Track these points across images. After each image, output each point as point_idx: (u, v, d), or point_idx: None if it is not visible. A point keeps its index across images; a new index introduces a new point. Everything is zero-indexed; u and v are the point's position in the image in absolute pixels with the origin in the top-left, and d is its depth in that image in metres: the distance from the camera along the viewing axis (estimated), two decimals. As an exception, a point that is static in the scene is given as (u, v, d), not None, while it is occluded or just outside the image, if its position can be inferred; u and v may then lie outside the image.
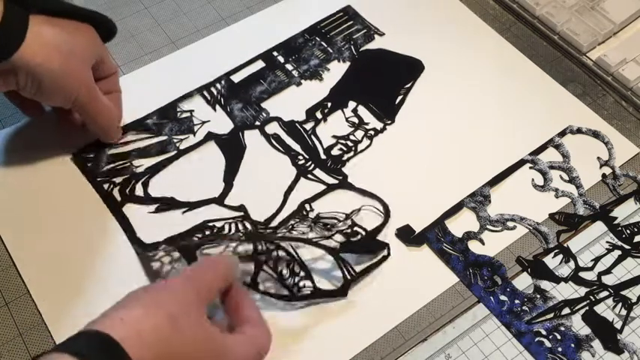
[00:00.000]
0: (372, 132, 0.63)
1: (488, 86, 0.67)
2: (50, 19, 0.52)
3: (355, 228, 0.56)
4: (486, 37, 0.71)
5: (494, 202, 0.59)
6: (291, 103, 0.65)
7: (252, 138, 0.62)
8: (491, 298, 0.53)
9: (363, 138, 0.62)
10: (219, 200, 0.58)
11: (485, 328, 0.52)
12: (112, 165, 0.59)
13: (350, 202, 0.58)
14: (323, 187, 0.59)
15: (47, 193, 0.58)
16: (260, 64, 0.68)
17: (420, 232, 0.57)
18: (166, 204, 0.57)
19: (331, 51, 0.69)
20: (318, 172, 0.60)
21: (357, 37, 0.70)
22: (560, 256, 0.56)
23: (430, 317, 0.53)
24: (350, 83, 0.67)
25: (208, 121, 0.63)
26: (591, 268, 0.55)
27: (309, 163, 0.60)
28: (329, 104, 0.65)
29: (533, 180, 0.60)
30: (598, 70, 0.67)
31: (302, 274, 0.52)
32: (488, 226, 0.57)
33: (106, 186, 0.58)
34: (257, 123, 0.63)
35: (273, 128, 0.63)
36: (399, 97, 0.66)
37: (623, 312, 0.53)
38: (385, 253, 0.54)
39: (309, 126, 0.63)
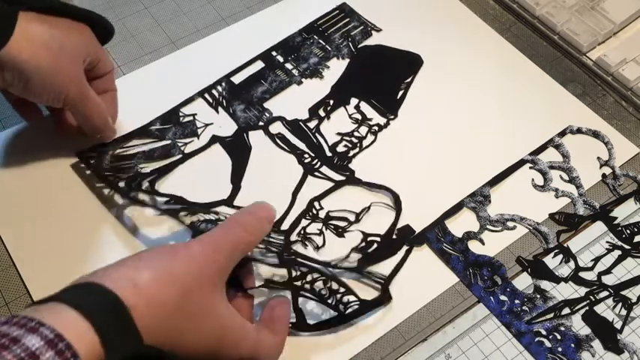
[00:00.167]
0: (376, 127, 0.63)
1: (488, 86, 0.67)
2: (41, 16, 0.52)
3: (369, 238, 0.55)
4: (486, 37, 0.71)
5: (494, 202, 0.59)
6: (293, 102, 0.65)
7: (256, 138, 0.62)
8: (491, 298, 0.53)
9: (367, 134, 0.63)
10: (229, 202, 0.58)
11: (485, 328, 0.52)
12: (115, 164, 0.59)
13: (359, 198, 0.58)
14: (331, 184, 0.59)
15: (48, 193, 0.58)
16: (260, 65, 0.68)
17: (420, 232, 0.57)
18: (175, 200, 0.57)
19: (330, 49, 0.69)
20: (324, 169, 0.60)
21: (354, 34, 0.70)
22: (560, 256, 0.56)
23: (430, 317, 0.53)
24: (351, 80, 0.67)
25: (211, 123, 0.63)
26: (591, 268, 0.55)
27: (316, 161, 0.61)
28: (331, 102, 0.65)
29: (533, 180, 0.60)
30: (598, 70, 0.67)
31: (341, 289, 0.51)
32: (488, 226, 0.57)
33: (106, 191, 0.58)
34: (261, 123, 0.63)
35: (277, 128, 0.63)
36: (400, 92, 0.66)
37: (623, 312, 0.53)
38: (407, 247, 0.55)
39: (312, 124, 0.63)
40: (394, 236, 0.56)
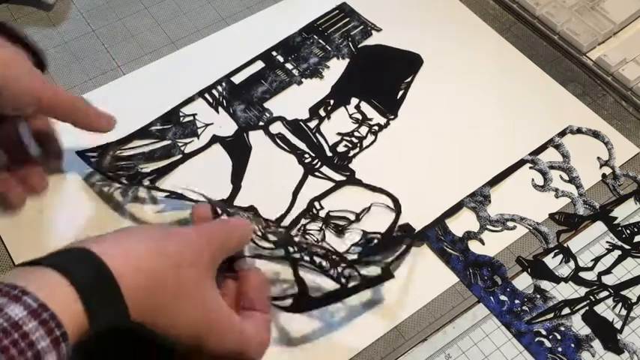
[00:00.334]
0: (377, 127, 0.63)
1: (488, 86, 0.67)
2: None
3: (370, 236, 0.55)
4: (486, 37, 0.71)
5: (494, 202, 0.59)
6: (293, 102, 0.65)
7: (257, 138, 0.62)
8: (491, 298, 0.53)
9: (367, 134, 0.63)
10: (229, 201, 0.58)
11: (485, 328, 0.52)
12: (116, 164, 0.59)
13: (359, 199, 0.58)
14: (331, 184, 0.59)
15: (48, 193, 0.58)
16: (260, 65, 0.68)
17: (420, 231, 0.57)
18: (176, 197, 0.57)
19: (330, 48, 0.69)
20: (325, 169, 0.60)
21: (354, 34, 0.70)
22: (560, 256, 0.56)
23: (430, 317, 0.53)
24: (351, 80, 0.67)
25: (211, 123, 0.63)
26: (591, 268, 0.55)
27: (316, 161, 0.61)
28: (331, 101, 0.65)
29: (533, 180, 0.60)
30: (598, 70, 0.67)
31: (343, 263, 0.50)
32: (488, 226, 0.57)
33: (106, 189, 0.58)
34: (261, 123, 0.63)
35: (277, 128, 0.63)
36: (401, 92, 0.66)
37: (623, 312, 0.53)
38: (409, 241, 0.54)
39: (313, 124, 0.63)
40: (394, 234, 0.56)
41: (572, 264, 0.55)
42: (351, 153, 0.61)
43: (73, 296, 0.34)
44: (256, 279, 0.47)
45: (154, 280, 0.38)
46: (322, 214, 0.57)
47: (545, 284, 0.54)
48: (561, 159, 0.62)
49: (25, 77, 0.50)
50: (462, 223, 0.58)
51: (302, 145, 0.62)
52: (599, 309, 0.53)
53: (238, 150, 0.61)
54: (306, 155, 0.61)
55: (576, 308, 0.53)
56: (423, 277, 0.54)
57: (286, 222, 0.56)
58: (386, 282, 0.50)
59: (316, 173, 0.60)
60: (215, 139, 0.62)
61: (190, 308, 0.40)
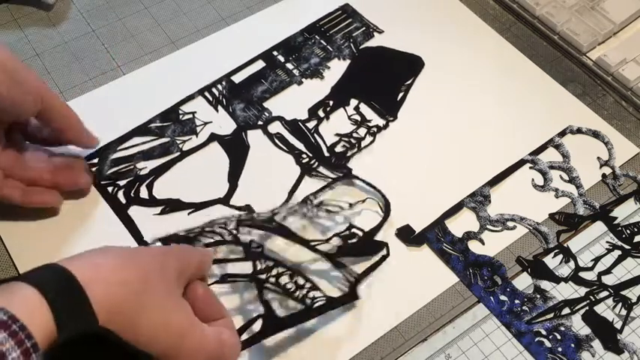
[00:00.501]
0: (375, 129, 0.63)
1: (488, 86, 0.67)
2: None
3: (353, 230, 0.55)
4: (486, 37, 0.71)
5: (494, 202, 0.59)
6: (293, 102, 0.65)
7: (255, 138, 0.62)
8: (491, 298, 0.53)
9: (366, 135, 0.63)
10: (225, 200, 0.58)
11: (485, 328, 0.52)
12: (115, 168, 0.59)
13: (354, 196, 0.58)
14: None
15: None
16: (260, 64, 0.68)
17: (420, 232, 0.57)
18: (172, 205, 0.57)
19: (331, 49, 0.69)
20: (322, 169, 0.60)
21: (356, 35, 0.70)
22: (560, 256, 0.56)
23: (430, 317, 0.53)
24: (351, 81, 0.67)
25: (210, 122, 0.63)
26: (591, 268, 0.55)
27: (313, 161, 0.61)
28: (331, 102, 0.65)
29: (533, 180, 0.60)
30: (598, 70, 0.67)
31: (307, 285, 0.51)
32: (488, 226, 0.57)
33: (110, 188, 0.58)
34: (260, 123, 0.63)
35: (276, 127, 0.63)
36: (401, 94, 0.66)
37: (623, 312, 0.53)
38: (384, 252, 0.54)
39: (311, 124, 0.63)
40: (376, 236, 0.56)
41: (572, 264, 0.55)
42: (349, 153, 0.61)
43: (42, 306, 0.35)
44: (200, 289, 0.46)
45: (121, 289, 0.38)
46: (316, 203, 0.57)
47: (545, 284, 0.54)
48: (561, 159, 0.62)
49: (27, 76, 0.50)
50: (461, 224, 0.58)
51: (300, 146, 0.62)
52: (599, 309, 0.53)
53: (236, 149, 0.61)
54: (304, 155, 0.61)
55: (576, 308, 0.53)
56: (423, 277, 0.55)
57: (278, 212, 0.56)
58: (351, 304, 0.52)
59: (313, 173, 0.60)
60: (213, 137, 0.62)
61: (159, 319, 0.40)
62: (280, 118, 0.63)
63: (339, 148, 0.62)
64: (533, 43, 0.71)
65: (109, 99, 0.65)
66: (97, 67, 0.67)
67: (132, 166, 0.59)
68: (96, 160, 0.59)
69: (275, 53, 0.68)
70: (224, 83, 0.66)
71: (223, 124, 0.63)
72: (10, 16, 0.71)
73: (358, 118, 0.64)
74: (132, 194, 0.58)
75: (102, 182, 0.58)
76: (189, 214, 0.57)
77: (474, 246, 0.56)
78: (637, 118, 0.65)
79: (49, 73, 0.66)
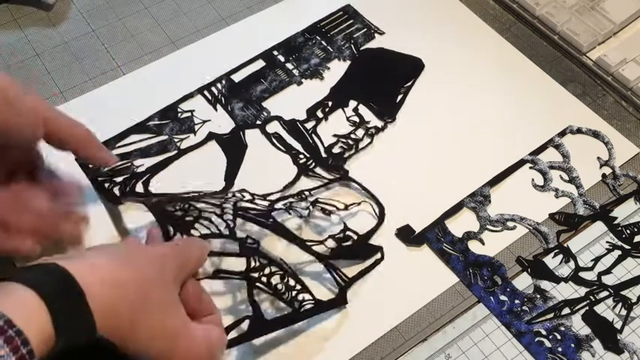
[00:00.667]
0: (373, 130, 0.63)
1: (488, 86, 0.67)
2: None
3: (347, 232, 0.55)
4: (486, 37, 0.71)
5: (494, 202, 0.59)
6: (291, 102, 0.65)
7: (253, 137, 0.62)
8: (491, 298, 0.53)
9: (363, 136, 0.62)
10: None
11: (485, 328, 0.52)
12: (113, 165, 0.59)
13: (349, 197, 0.58)
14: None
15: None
16: (260, 64, 0.68)
17: (420, 232, 0.57)
18: (167, 198, 0.57)
19: (331, 50, 0.69)
20: (318, 170, 0.60)
21: (357, 36, 0.70)
22: (560, 256, 0.56)
23: (430, 317, 0.53)
24: (351, 82, 0.67)
25: (209, 120, 0.63)
26: (591, 268, 0.55)
27: (310, 161, 0.61)
28: (330, 103, 0.65)
29: (533, 180, 0.60)
30: (598, 70, 0.67)
31: (298, 287, 0.50)
32: (488, 226, 0.57)
33: (106, 185, 0.58)
34: (258, 122, 0.63)
35: (274, 127, 0.63)
36: (400, 96, 0.66)
37: (623, 312, 0.53)
38: (378, 256, 0.54)
39: (310, 125, 0.63)
40: (371, 240, 0.56)
41: (572, 264, 0.55)
42: (346, 154, 0.61)
43: (40, 310, 0.33)
44: (191, 287, 0.45)
45: (118, 291, 0.37)
46: (311, 199, 0.57)
47: (545, 284, 0.54)
48: (561, 159, 0.62)
49: (27, 98, 0.46)
50: (461, 224, 0.58)
51: (297, 146, 0.62)
52: (599, 309, 0.53)
53: (234, 148, 0.61)
54: (301, 156, 0.61)
55: (576, 308, 0.53)
56: (423, 277, 0.54)
57: (274, 197, 0.56)
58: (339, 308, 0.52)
59: (310, 173, 0.60)
60: (211, 136, 0.62)
61: (156, 322, 0.40)
62: (278, 118, 0.63)
63: (336, 149, 0.61)
64: (533, 43, 0.71)
65: (109, 99, 0.65)
66: (97, 67, 0.67)
67: (129, 164, 0.59)
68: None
69: (275, 53, 0.68)
70: (223, 82, 0.66)
71: (222, 122, 0.63)
72: (10, 16, 0.71)
73: (357, 119, 0.64)
74: (127, 190, 0.57)
75: (99, 179, 0.58)
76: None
77: (473, 246, 0.56)
78: (637, 118, 0.65)
79: (49, 73, 0.66)
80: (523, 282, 0.54)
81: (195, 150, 0.61)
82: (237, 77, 0.66)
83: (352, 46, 0.69)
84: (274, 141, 0.62)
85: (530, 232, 0.57)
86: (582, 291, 0.54)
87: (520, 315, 0.52)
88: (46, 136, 0.47)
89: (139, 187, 0.58)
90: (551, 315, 0.53)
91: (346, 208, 0.56)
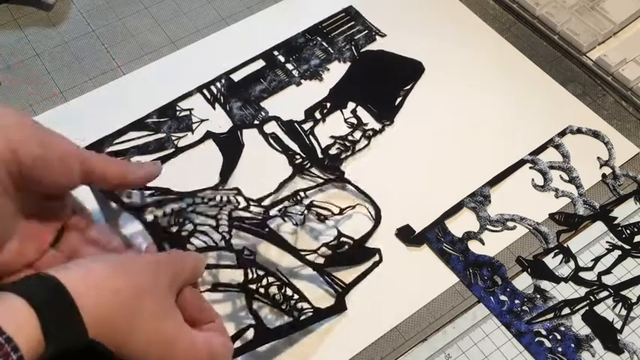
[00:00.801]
0: (371, 132, 0.63)
1: (488, 86, 0.67)
2: None
3: (342, 239, 0.55)
4: (486, 37, 0.71)
5: (494, 202, 0.59)
6: (290, 102, 0.65)
7: (250, 136, 0.62)
8: (491, 298, 0.53)
9: (361, 138, 0.62)
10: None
11: (485, 328, 0.52)
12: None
13: (344, 198, 0.58)
14: (319, 182, 0.59)
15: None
16: (260, 63, 0.68)
17: (420, 232, 0.57)
18: (161, 193, 0.57)
19: (332, 51, 0.69)
20: (314, 170, 0.60)
21: (358, 38, 0.70)
22: (560, 256, 0.56)
23: (430, 317, 0.53)
24: (350, 84, 0.67)
25: (207, 119, 0.63)
26: (591, 268, 0.55)
27: (307, 162, 0.60)
28: (328, 104, 0.65)
29: (533, 180, 0.60)
30: (598, 70, 0.67)
31: (295, 296, 0.50)
32: (488, 226, 0.57)
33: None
34: (256, 122, 0.63)
35: (271, 127, 0.63)
36: (399, 99, 0.66)
37: (623, 312, 0.53)
38: (377, 258, 0.54)
39: (307, 126, 0.63)
40: (367, 242, 0.56)
41: (572, 264, 0.55)
42: (343, 155, 0.61)
43: (30, 317, 0.34)
44: (189, 295, 0.45)
45: (112, 298, 0.37)
46: (306, 202, 0.57)
47: (545, 284, 0.54)
48: (561, 159, 0.62)
49: (60, 140, 0.43)
50: (461, 224, 0.58)
51: (294, 146, 0.61)
52: (599, 309, 0.53)
53: (230, 147, 0.61)
54: (297, 157, 0.61)
55: (576, 308, 0.53)
56: (423, 277, 0.54)
57: (267, 202, 0.56)
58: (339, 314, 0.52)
59: (305, 174, 0.59)
60: (209, 134, 0.62)
61: (152, 328, 0.39)
62: (276, 118, 0.63)
63: (333, 151, 0.61)
64: (533, 43, 0.71)
65: (109, 99, 0.65)
66: (97, 67, 0.67)
67: (126, 159, 0.59)
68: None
69: (276, 53, 0.68)
70: (223, 81, 0.66)
71: (220, 121, 0.63)
72: (10, 16, 0.71)
73: (354, 121, 0.64)
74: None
75: None
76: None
77: (473, 246, 0.56)
78: (637, 118, 0.65)
79: (49, 73, 0.66)
80: (523, 282, 0.54)
81: (193, 148, 0.61)
82: (236, 77, 0.66)
83: (353, 47, 0.69)
84: (271, 141, 0.62)
85: (530, 232, 0.57)
86: (582, 291, 0.54)
87: (520, 315, 0.52)
88: (83, 177, 0.44)
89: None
90: (551, 315, 0.53)
91: (341, 212, 0.56)
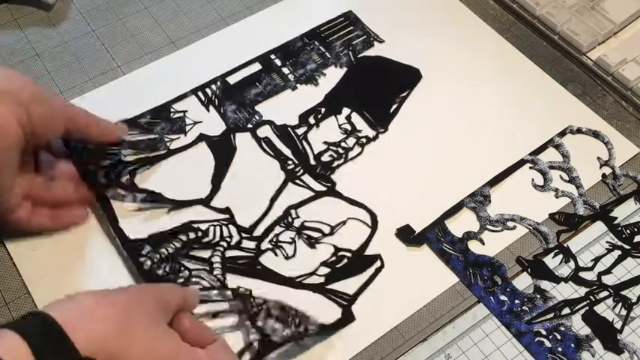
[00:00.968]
0: (364, 140, 0.62)
1: (488, 86, 0.67)
2: None
3: (340, 253, 0.55)
4: (486, 37, 0.71)
5: (494, 202, 0.59)
6: (285, 107, 0.64)
7: (243, 140, 0.62)
8: (491, 298, 0.53)
9: (354, 145, 0.62)
10: (206, 201, 0.57)
11: (485, 328, 0.52)
12: (101, 148, 0.58)
13: (337, 211, 0.58)
14: (310, 193, 0.58)
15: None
16: (257, 67, 0.67)
17: (420, 232, 0.57)
18: (153, 197, 0.57)
19: (329, 56, 0.69)
20: (306, 177, 0.59)
21: (356, 43, 0.70)
22: (560, 256, 0.56)
23: (430, 317, 0.53)
24: (345, 89, 0.66)
25: (200, 121, 0.63)
26: (591, 268, 0.55)
27: (298, 168, 0.60)
28: (323, 110, 0.64)
29: (533, 180, 0.60)
30: (598, 70, 0.67)
31: (299, 315, 0.50)
32: (488, 226, 0.57)
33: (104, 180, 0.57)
34: (249, 125, 0.63)
35: (264, 131, 0.63)
36: (394, 106, 0.65)
37: (623, 312, 0.53)
38: (378, 265, 0.54)
39: (301, 131, 0.63)
40: (367, 250, 0.56)
41: (572, 264, 0.56)
42: (335, 163, 0.61)
43: (23, 347, 0.37)
44: (187, 320, 0.47)
45: (104, 326, 0.40)
46: (297, 223, 0.56)
47: (545, 284, 0.54)
48: (561, 159, 0.62)
49: (54, 100, 0.51)
50: (461, 224, 0.58)
51: (287, 151, 0.61)
52: (599, 309, 0.53)
53: (223, 150, 0.61)
54: (290, 162, 0.60)
55: (576, 308, 0.53)
56: (423, 277, 0.55)
57: (260, 228, 0.56)
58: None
59: (297, 181, 0.59)
60: (201, 137, 0.62)
61: (146, 347, 0.41)
62: (270, 122, 0.63)
63: (325, 157, 0.61)
64: (533, 43, 0.71)
65: (109, 99, 0.65)
66: (97, 67, 0.67)
67: (117, 151, 0.58)
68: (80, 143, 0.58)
69: (273, 57, 0.68)
70: (218, 83, 0.66)
71: (213, 124, 0.63)
72: (10, 16, 0.71)
73: (349, 127, 0.63)
74: (113, 177, 0.57)
75: (86, 164, 0.57)
76: (168, 211, 0.57)
77: (473, 246, 0.56)
78: (637, 118, 0.65)
79: (49, 73, 0.66)
80: (523, 282, 0.54)
81: (185, 151, 0.61)
82: (232, 79, 0.66)
83: (350, 53, 0.69)
84: (264, 145, 0.61)
85: (530, 232, 0.57)
86: (582, 291, 0.54)
87: (520, 315, 0.52)
88: (66, 132, 0.52)
89: (126, 178, 0.58)
90: (551, 315, 0.53)
91: (332, 231, 0.56)
